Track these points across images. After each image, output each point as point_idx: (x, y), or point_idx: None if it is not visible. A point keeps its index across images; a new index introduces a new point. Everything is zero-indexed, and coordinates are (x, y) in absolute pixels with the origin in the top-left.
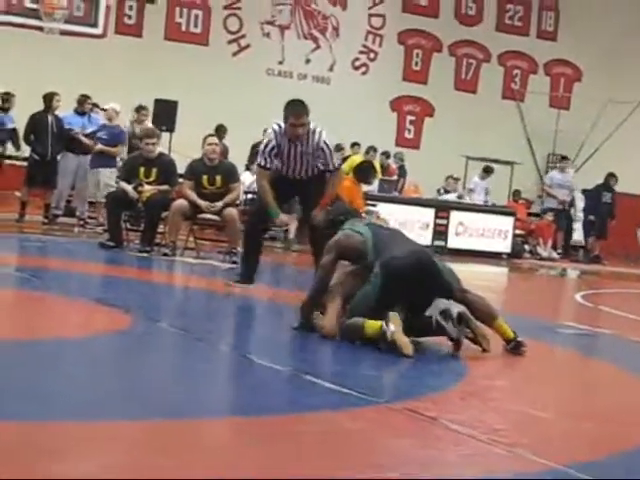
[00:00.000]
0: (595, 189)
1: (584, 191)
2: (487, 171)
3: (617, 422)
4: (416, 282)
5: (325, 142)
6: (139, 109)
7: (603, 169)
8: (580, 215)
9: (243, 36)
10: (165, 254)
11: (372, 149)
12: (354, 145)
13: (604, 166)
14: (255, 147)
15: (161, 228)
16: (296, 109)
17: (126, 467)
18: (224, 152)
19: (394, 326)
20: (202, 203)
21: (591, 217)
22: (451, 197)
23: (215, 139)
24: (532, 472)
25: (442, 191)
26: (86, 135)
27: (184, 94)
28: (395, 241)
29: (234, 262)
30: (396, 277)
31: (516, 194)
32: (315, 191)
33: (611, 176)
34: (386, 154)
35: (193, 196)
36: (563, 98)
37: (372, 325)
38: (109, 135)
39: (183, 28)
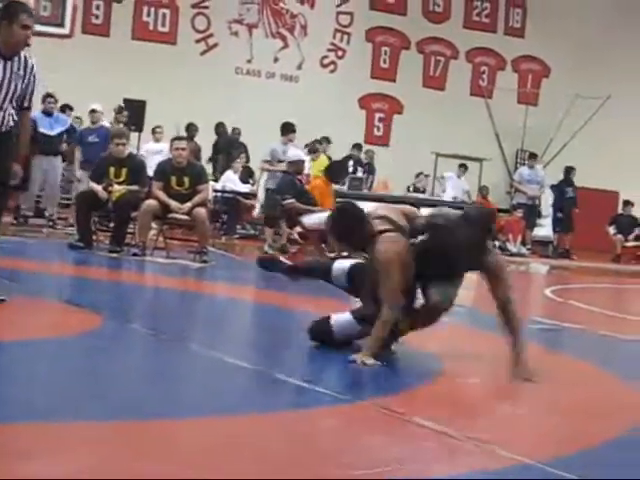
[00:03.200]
0: (558, 184)
1: (552, 187)
2: (462, 167)
3: (587, 417)
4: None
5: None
6: (120, 110)
7: (571, 165)
8: (549, 211)
9: (211, 35)
10: (135, 254)
11: (325, 140)
12: (322, 141)
13: (572, 161)
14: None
15: (131, 228)
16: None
17: (94, 468)
18: (196, 151)
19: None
20: (172, 203)
21: (559, 214)
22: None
23: (182, 143)
24: (503, 468)
25: (412, 188)
26: (54, 136)
27: (152, 93)
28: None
29: (204, 261)
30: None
31: (484, 190)
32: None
33: (571, 169)
34: (358, 147)
35: (163, 196)
36: (531, 94)
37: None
38: (100, 137)
39: (151, 27)
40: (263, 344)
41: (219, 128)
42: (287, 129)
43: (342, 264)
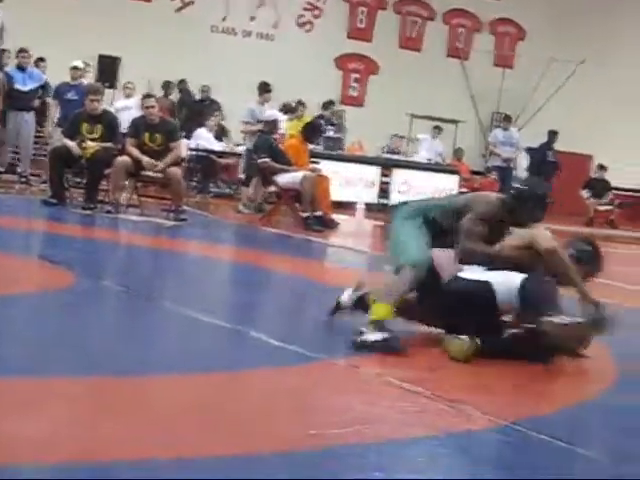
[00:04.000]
0: (539, 148)
1: (528, 149)
2: (437, 129)
3: (561, 378)
4: None
5: None
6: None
7: (547, 127)
8: (525, 173)
9: None
10: (108, 211)
11: (300, 104)
12: (299, 104)
13: (547, 124)
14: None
15: (104, 185)
16: None
17: (69, 424)
18: (172, 109)
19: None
20: (144, 159)
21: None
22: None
23: (152, 101)
24: (476, 428)
25: (386, 149)
26: (28, 91)
27: (126, 51)
28: None
29: (180, 219)
30: None
31: (458, 152)
32: None
33: (553, 134)
34: (328, 104)
35: (136, 153)
36: (507, 57)
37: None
38: (79, 94)
39: None
40: (237, 302)
41: (180, 85)
42: (263, 89)
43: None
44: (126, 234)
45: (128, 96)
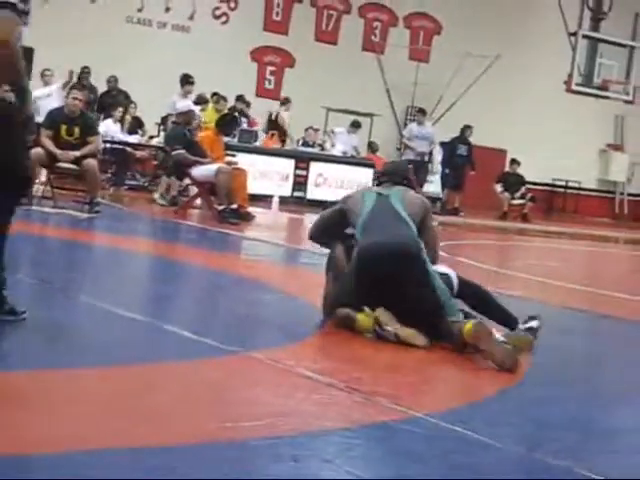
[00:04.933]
0: (451, 142)
1: (442, 144)
2: (355, 125)
3: (474, 371)
4: (385, 276)
5: None
6: None
7: (461, 122)
8: (438, 168)
9: None
10: (21, 203)
11: (221, 98)
12: (214, 95)
13: (462, 119)
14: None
15: None
16: None
17: None
18: (88, 101)
19: (389, 324)
20: (57, 152)
21: (447, 170)
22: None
23: (80, 94)
24: (391, 420)
25: (301, 142)
26: None
27: (41, 41)
28: (378, 223)
29: (95, 212)
30: (360, 268)
31: (373, 145)
32: None
33: (467, 128)
34: (247, 103)
35: (50, 145)
36: (422, 51)
37: (364, 322)
38: None
39: None
40: (152, 295)
41: (81, 74)
42: (185, 81)
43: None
44: (40, 226)
45: (47, 83)
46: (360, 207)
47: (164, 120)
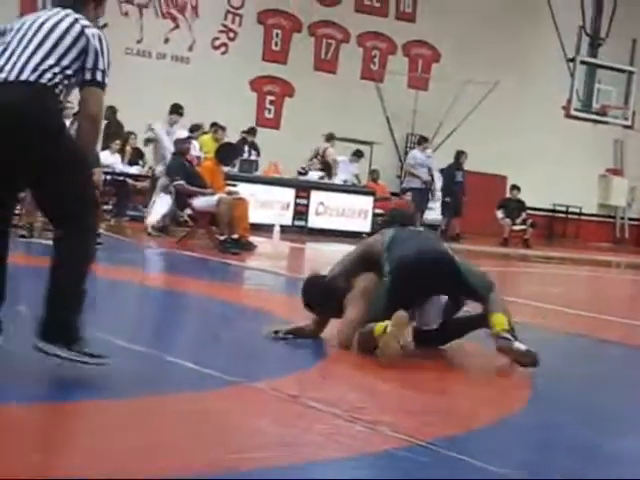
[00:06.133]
0: (447, 168)
1: (441, 171)
2: (358, 155)
3: (476, 397)
4: (424, 280)
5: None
6: None
7: (460, 149)
8: (439, 195)
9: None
10: (22, 235)
11: (220, 128)
12: (213, 125)
13: (462, 146)
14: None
15: (18, 209)
16: None
17: None
18: None
19: (394, 325)
20: None
21: (447, 199)
22: (315, 174)
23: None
24: (394, 448)
25: (307, 169)
26: None
27: None
28: (410, 240)
29: (96, 243)
30: (402, 276)
31: (374, 174)
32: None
33: (461, 153)
34: (252, 131)
35: None
36: (421, 79)
37: (379, 327)
38: None
39: (39, 5)
40: (154, 326)
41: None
42: (173, 110)
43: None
44: (41, 258)
45: None
46: (382, 241)
47: (147, 142)
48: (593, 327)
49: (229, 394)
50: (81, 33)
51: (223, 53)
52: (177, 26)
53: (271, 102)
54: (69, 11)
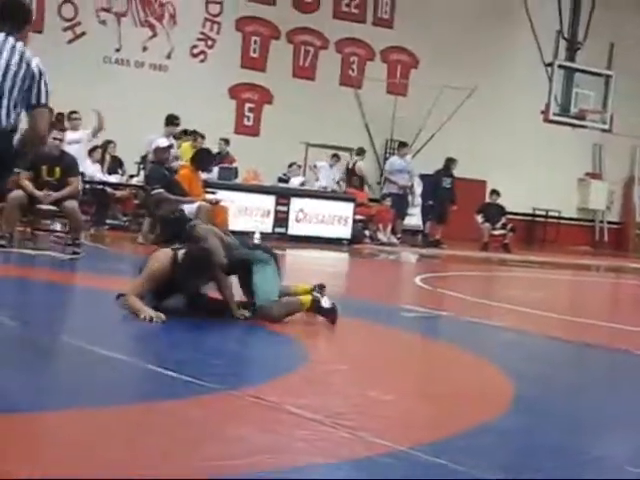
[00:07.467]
0: (435, 174)
1: (422, 176)
2: (337, 157)
3: (457, 402)
4: None
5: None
6: None
7: (440, 154)
8: (418, 200)
9: (78, 23)
10: (2, 245)
11: (199, 135)
12: (192, 133)
13: (441, 151)
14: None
15: None
16: None
17: None
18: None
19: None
20: (39, 194)
21: (430, 202)
22: (296, 180)
23: (60, 134)
24: (376, 454)
25: (287, 176)
26: None
27: None
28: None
29: (76, 253)
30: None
31: (355, 180)
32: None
33: (450, 161)
34: (225, 140)
35: (29, 187)
36: (400, 85)
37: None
38: None
39: None
40: (135, 335)
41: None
42: (170, 121)
43: None
44: (21, 268)
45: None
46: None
47: (144, 159)
48: (573, 331)
49: (209, 401)
50: (28, 67)
51: (202, 61)
52: (155, 34)
53: (250, 109)
54: (12, 40)
